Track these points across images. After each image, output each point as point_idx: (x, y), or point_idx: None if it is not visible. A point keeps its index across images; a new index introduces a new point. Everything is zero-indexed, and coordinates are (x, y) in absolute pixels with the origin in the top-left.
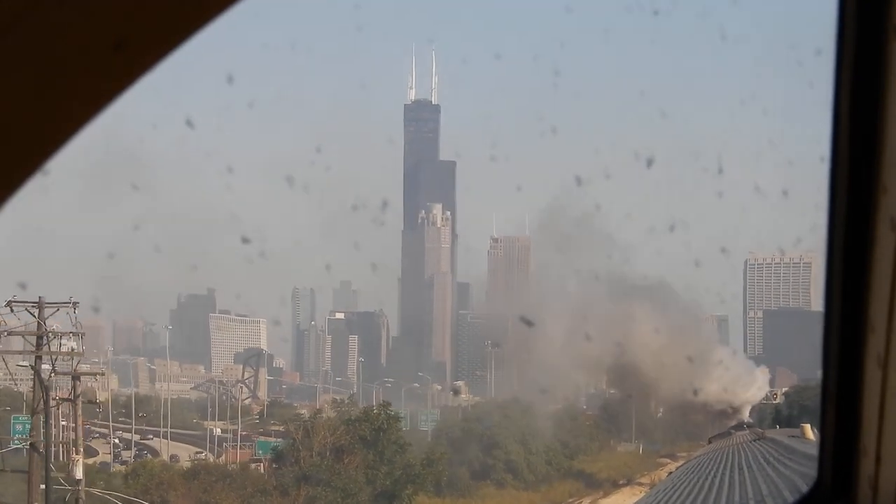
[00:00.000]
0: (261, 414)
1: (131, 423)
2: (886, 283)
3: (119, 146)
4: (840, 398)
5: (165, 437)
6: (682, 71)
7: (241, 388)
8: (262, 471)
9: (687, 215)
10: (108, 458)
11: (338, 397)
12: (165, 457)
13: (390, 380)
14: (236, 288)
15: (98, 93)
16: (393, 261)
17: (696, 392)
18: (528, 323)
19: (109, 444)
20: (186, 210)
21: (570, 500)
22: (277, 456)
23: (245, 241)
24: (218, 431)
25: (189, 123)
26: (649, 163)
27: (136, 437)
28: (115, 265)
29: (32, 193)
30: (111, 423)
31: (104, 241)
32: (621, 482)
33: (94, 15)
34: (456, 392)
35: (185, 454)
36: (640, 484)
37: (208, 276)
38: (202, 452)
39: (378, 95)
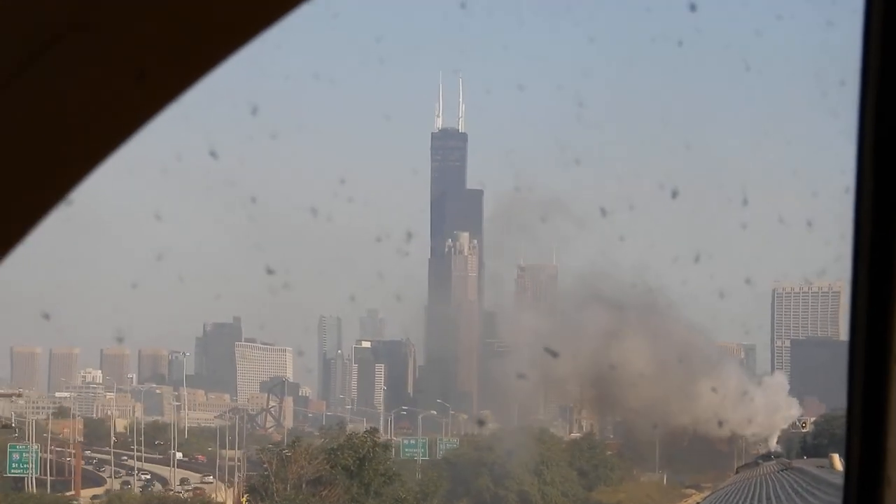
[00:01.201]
0: (280, 443)
1: (142, 452)
2: None
3: (143, 176)
4: (865, 428)
5: (180, 465)
6: (706, 101)
7: (267, 416)
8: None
9: (711, 246)
10: (117, 487)
11: (363, 426)
12: (173, 484)
13: (405, 408)
14: (261, 318)
15: (121, 124)
16: (420, 289)
17: (720, 423)
18: (553, 353)
19: (111, 473)
20: (210, 239)
21: None
22: (250, 489)
23: (270, 272)
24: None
25: (213, 154)
26: (674, 193)
27: (139, 465)
28: (139, 294)
29: (56, 223)
30: (112, 451)
31: (128, 270)
32: None
33: (116, 46)
34: (481, 422)
35: (195, 481)
36: None
37: (232, 305)
38: (209, 476)
39: (402, 126)
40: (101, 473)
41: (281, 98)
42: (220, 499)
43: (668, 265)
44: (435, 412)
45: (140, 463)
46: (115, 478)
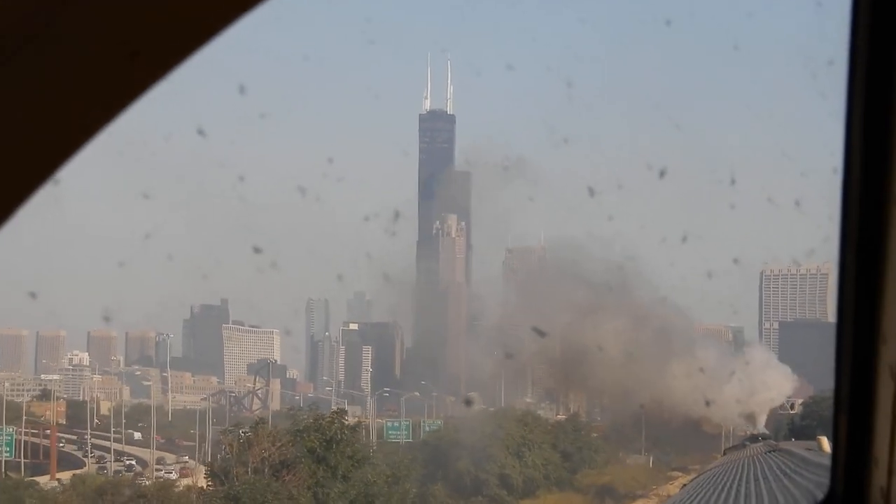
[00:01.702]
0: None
1: (121, 434)
2: None
3: (131, 155)
4: (853, 409)
5: (162, 448)
6: (695, 82)
7: (253, 398)
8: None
9: (699, 226)
10: (94, 469)
11: (351, 409)
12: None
13: (387, 390)
14: (249, 298)
15: (112, 101)
16: (407, 271)
17: (708, 403)
18: (541, 333)
19: (87, 455)
20: (198, 219)
21: None
22: (210, 473)
23: (257, 250)
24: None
25: (201, 133)
26: (662, 174)
27: (119, 448)
28: (126, 275)
29: (44, 202)
30: (90, 433)
31: (115, 249)
32: (625, 497)
33: (110, 24)
34: (468, 403)
35: (171, 463)
36: (639, 496)
37: (220, 286)
38: (185, 456)
39: (391, 106)
40: (82, 457)
41: (270, 78)
42: (189, 482)
43: (656, 245)
44: (418, 394)
45: (121, 445)
46: (94, 461)
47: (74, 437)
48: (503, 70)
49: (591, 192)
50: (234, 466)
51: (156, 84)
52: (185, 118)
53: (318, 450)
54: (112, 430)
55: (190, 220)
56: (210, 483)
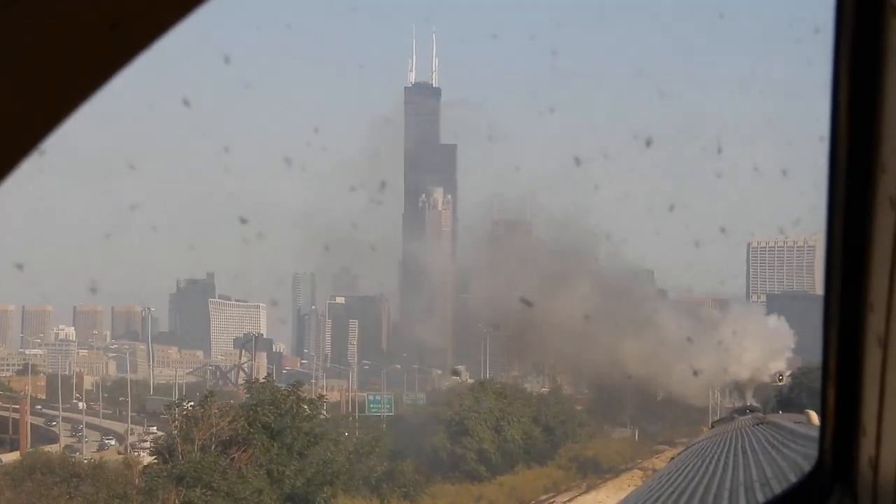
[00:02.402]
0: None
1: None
2: (886, 263)
3: (116, 126)
4: (840, 379)
5: (135, 421)
6: (680, 50)
7: (239, 372)
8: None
9: (686, 195)
10: (72, 443)
11: (337, 382)
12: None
13: (367, 362)
14: (235, 271)
15: (95, 73)
16: (394, 245)
17: (696, 373)
18: (527, 303)
19: (58, 430)
20: (184, 190)
21: (544, 498)
22: (156, 451)
23: (243, 221)
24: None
25: (186, 103)
26: (648, 143)
27: (98, 422)
28: (112, 245)
29: (29, 173)
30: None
31: (101, 221)
32: (608, 472)
33: None
34: (455, 374)
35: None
36: (623, 470)
37: (206, 257)
38: (153, 427)
39: (376, 76)
40: (53, 430)
41: (253, 48)
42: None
43: (642, 214)
44: (399, 366)
45: (99, 419)
46: (70, 436)
47: (54, 413)
48: (488, 39)
49: (577, 161)
50: (178, 443)
51: (138, 55)
52: (170, 89)
53: (272, 425)
54: (88, 405)
55: (175, 191)
56: (155, 460)
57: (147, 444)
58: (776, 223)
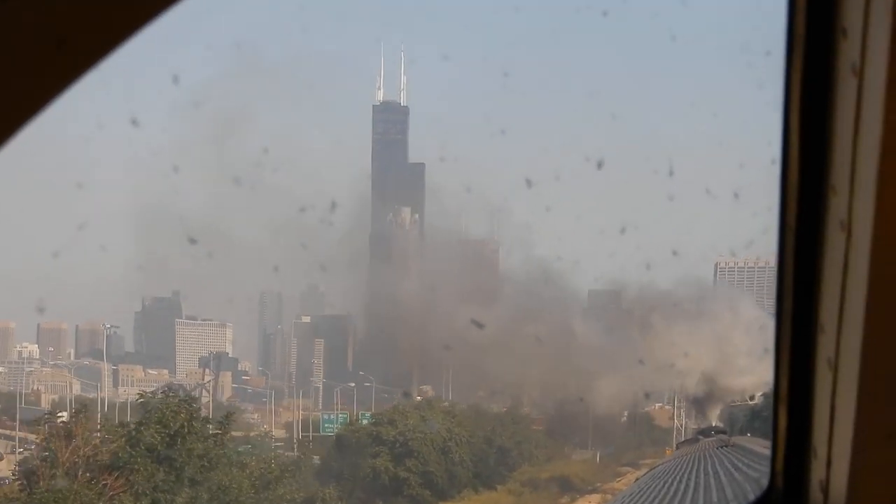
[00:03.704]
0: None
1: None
2: (836, 285)
3: (64, 144)
4: (791, 401)
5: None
6: (632, 72)
7: (202, 391)
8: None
9: (638, 218)
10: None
11: (301, 402)
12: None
13: (321, 380)
14: (200, 292)
15: (41, 91)
16: (360, 264)
17: (647, 395)
18: (479, 325)
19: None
20: (132, 210)
21: None
22: (24, 473)
23: (192, 241)
24: None
25: (134, 123)
26: (599, 164)
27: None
28: (61, 265)
29: None
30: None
31: (49, 240)
32: (564, 496)
33: (35, 13)
34: (407, 396)
35: None
36: (581, 495)
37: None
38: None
39: (336, 95)
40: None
41: (203, 67)
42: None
43: (594, 237)
44: (353, 384)
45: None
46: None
47: (5, 431)
48: (438, 60)
49: (529, 183)
50: (38, 466)
51: (85, 73)
52: (118, 108)
53: (159, 447)
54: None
55: (124, 211)
56: (26, 487)
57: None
58: (729, 245)
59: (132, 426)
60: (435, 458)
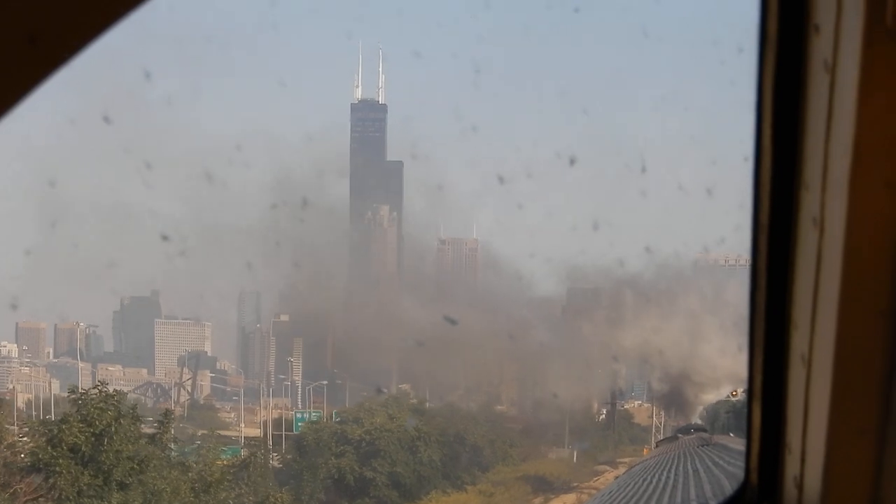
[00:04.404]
0: (180, 417)
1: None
2: (810, 282)
3: (36, 142)
4: (765, 397)
5: None
6: (603, 68)
7: (180, 390)
8: None
9: (610, 214)
10: None
11: (280, 401)
12: None
13: (300, 379)
14: (178, 291)
15: (12, 88)
16: (339, 262)
17: (623, 393)
18: (452, 322)
19: None
20: (105, 207)
21: None
22: None
23: (164, 238)
24: None
25: (106, 120)
26: (571, 161)
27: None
28: (33, 262)
29: None
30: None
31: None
32: (537, 496)
33: (7, 9)
34: (379, 392)
35: None
36: (555, 495)
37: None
38: None
39: (312, 93)
40: None
41: (175, 63)
42: None
43: (567, 233)
44: (326, 382)
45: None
46: None
47: None
48: (410, 56)
49: (501, 180)
50: None
51: (57, 70)
52: (90, 104)
53: (83, 448)
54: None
55: (96, 208)
56: None
57: None
58: (701, 242)
59: (54, 425)
60: (402, 458)
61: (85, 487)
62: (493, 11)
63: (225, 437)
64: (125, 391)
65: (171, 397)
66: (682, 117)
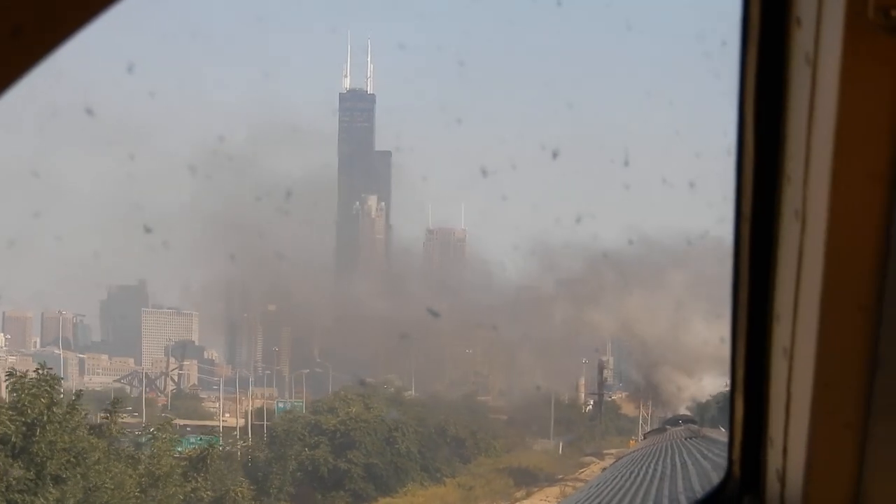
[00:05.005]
0: (164, 407)
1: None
2: (792, 274)
3: (19, 133)
4: (748, 390)
5: None
6: (587, 61)
7: (167, 380)
8: None
9: (593, 207)
10: None
11: (266, 390)
12: None
13: (262, 365)
14: (165, 280)
15: None
16: (326, 252)
17: (609, 384)
18: (434, 314)
19: None
20: (88, 198)
21: None
22: None
23: (147, 230)
24: None
25: (89, 112)
26: (555, 154)
27: None
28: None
29: None
30: None
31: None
32: (519, 488)
33: None
34: (362, 382)
35: None
36: (538, 488)
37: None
38: None
39: (297, 83)
40: None
41: (158, 56)
42: None
43: (550, 226)
44: (307, 370)
45: None
46: None
47: None
48: (394, 49)
49: (484, 172)
50: None
51: (41, 62)
52: (74, 96)
53: (13, 439)
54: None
55: (80, 199)
56: None
57: None
58: (685, 235)
59: None
60: (379, 449)
61: (14, 482)
62: (477, 3)
63: (205, 426)
64: (109, 381)
65: (156, 387)
66: (665, 110)
